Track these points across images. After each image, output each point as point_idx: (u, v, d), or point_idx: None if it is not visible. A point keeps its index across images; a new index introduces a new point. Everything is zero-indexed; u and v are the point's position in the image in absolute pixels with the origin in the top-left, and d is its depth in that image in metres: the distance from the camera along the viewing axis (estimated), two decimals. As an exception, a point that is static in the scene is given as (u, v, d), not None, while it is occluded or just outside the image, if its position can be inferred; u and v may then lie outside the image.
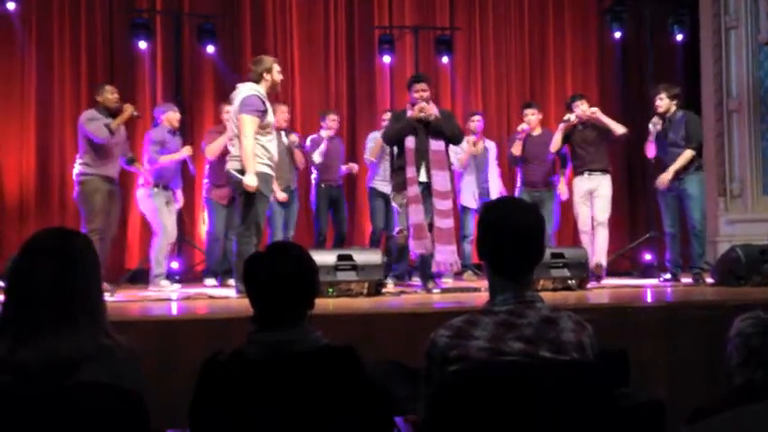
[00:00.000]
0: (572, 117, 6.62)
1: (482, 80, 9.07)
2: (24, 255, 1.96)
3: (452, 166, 6.23)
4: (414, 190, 5.62)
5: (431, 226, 5.65)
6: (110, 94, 6.08)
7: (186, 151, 6.49)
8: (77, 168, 6.02)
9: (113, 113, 6.02)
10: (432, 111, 5.73)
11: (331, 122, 7.26)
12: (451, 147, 5.99)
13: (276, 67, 5.41)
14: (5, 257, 5.76)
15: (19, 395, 1.75)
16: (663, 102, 6.29)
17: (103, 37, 8.13)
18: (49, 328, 1.87)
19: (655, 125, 6.33)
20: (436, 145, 5.70)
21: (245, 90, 5.25)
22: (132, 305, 5.00)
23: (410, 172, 5.64)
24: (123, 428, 1.74)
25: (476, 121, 7.41)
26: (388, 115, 7.01)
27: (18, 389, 1.77)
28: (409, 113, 5.76)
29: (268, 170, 5.29)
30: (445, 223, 5.67)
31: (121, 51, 8.10)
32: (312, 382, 1.82)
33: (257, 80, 5.31)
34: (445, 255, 5.65)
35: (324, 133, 7.21)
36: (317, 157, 7.12)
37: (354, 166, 7.59)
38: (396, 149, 5.92)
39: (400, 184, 5.73)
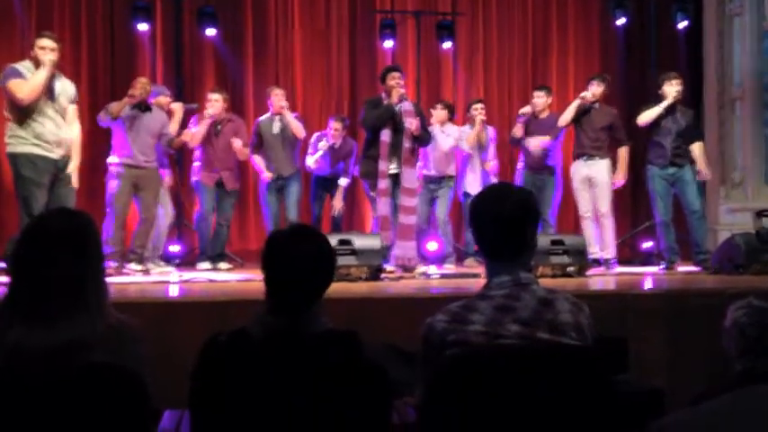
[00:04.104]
0: (589, 94, 6.58)
1: (484, 66, 9.00)
2: (31, 238, 1.94)
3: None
4: (384, 183, 5.77)
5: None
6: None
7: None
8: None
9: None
10: (416, 124, 5.81)
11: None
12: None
13: (38, 42, 5.17)
14: (5, 239, 5.75)
15: (22, 378, 1.75)
16: (680, 88, 6.30)
17: (104, 19, 8.08)
18: (59, 311, 1.86)
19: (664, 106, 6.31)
20: (408, 142, 5.85)
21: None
22: (130, 287, 4.99)
23: (383, 165, 5.79)
24: (124, 409, 1.74)
25: (478, 110, 7.35)
26: None
27: (23, 372, 1.77)
28: (387, 101, 5.84)
29: (37, 150, 5.11)
30: (408, 219, 5.86)
31: (122, 34, 8.05)
32: (313, 363, 1.82)
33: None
34: (404, 250, 5.81)
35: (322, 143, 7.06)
36: (311, 163, 7.05)
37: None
38: (369, 137, 5.97)
39: (370, 173, 5.84)
